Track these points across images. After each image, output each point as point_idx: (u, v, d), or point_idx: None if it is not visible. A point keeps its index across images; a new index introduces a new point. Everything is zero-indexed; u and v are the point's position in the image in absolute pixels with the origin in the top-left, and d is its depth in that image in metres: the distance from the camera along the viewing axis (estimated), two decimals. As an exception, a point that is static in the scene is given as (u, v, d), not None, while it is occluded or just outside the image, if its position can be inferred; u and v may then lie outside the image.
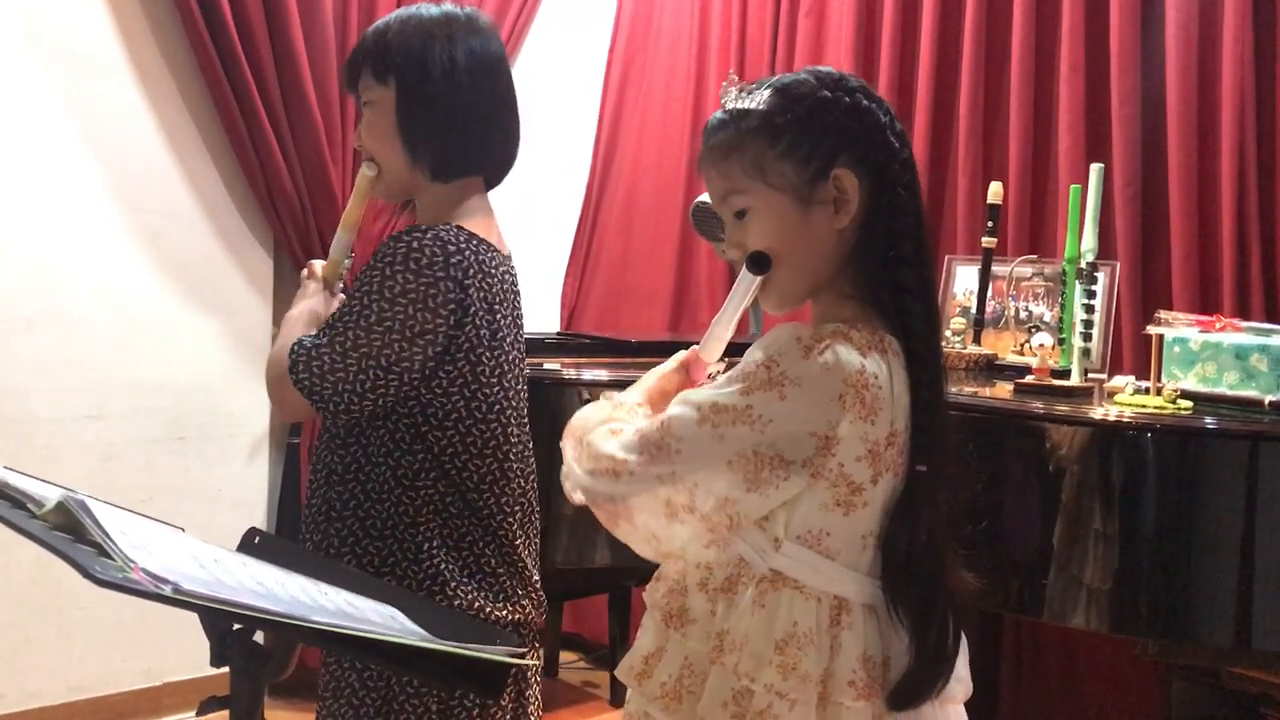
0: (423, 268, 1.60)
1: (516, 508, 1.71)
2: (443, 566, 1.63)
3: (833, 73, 1.38)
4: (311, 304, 1.77)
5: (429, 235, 1.62)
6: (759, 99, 1.35)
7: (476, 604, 1.64)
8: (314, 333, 1.68)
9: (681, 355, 1.50)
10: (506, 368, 1.71)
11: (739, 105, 1.37)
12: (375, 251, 1.64)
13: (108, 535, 0.99)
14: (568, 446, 1.40)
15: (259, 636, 1.17)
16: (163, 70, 3.28)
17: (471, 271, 1.63)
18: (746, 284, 1.37)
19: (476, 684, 1.14)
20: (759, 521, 1.33)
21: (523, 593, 1.71)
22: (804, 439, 1.27)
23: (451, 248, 1.62)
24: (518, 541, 1.71)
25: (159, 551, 1.06)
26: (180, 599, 0.93)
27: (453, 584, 1.63)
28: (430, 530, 1.63)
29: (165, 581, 0.93)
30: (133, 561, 0.95)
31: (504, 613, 1.67)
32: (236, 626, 1.15)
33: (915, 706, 1.32)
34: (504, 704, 1.67)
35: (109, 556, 0.97)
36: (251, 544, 1.41)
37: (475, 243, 1.66)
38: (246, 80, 3.28)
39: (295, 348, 1.65)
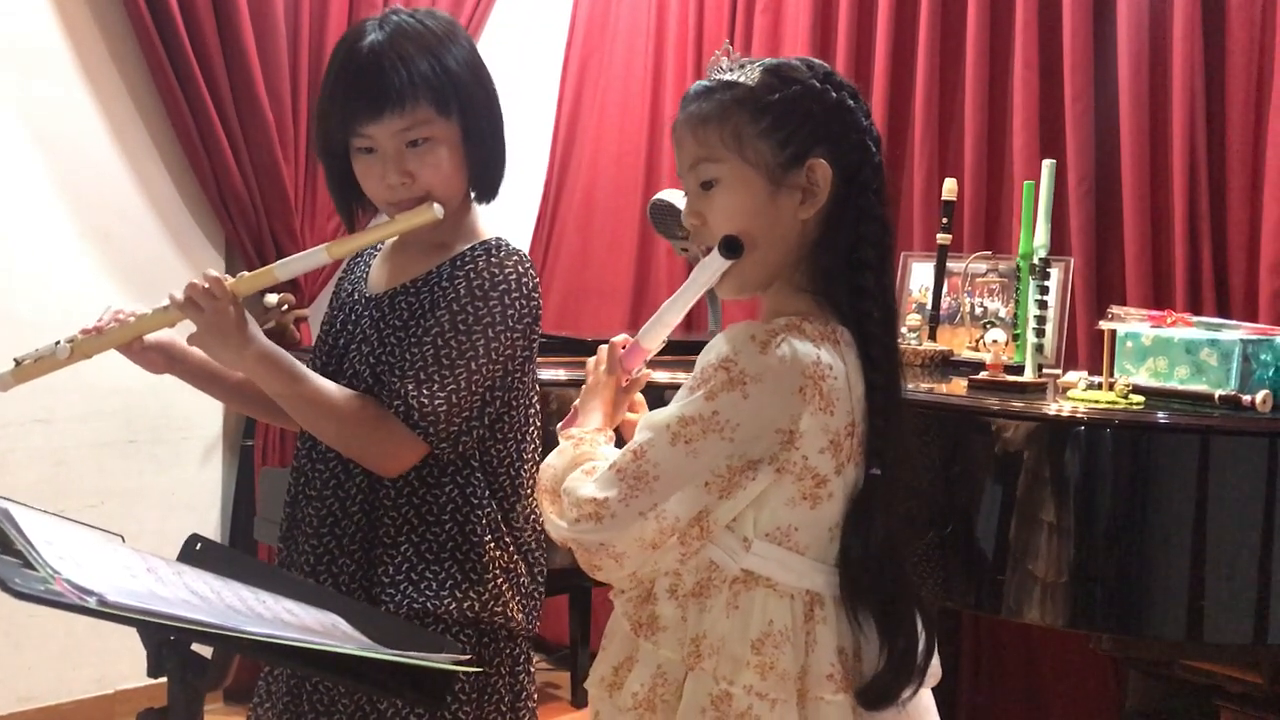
0: (530, 291, 1.59)
1: (535, 514, 1.68)
2: (503, 586, 1.59)
3: (825, 66, 1.39)
4: (266, 341, 1.54)
5: (516, 254, 1.60)
6: (750, 74, 1.34)
7: (521, 621, 1.62)
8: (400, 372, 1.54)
9: (601, 359, 1.49)
10: None
11: (728, 76, 1.35)
12: (467, 275, 1.56)
13: (31, 545, 0.96)
14: (544, 501, 1.38)
15: (198, 646, 1.15)
16: (110, 69, 3.23)
17: (538, 281, 1.63)
18: (712, 269, 1.35)
19: (417, 692, 1.12)
20: (728, 523, 1.32)
21: (539, 603, 1.69)
22: (768, 435, 1.27)
23: (528, 262, 1.61)
24: (539, 553, 1.68)
25: (87, 561, 1.03)
26: (105, 611, 0.91)
27: (512, 605, 1.60)
28: (490, 549, 1.59)
29: (90, 593, 0.91)
30: (56, 572, 0.92)
31: (532, 625, 1.66)
32: (173, 637, 1.13)
33: (884, 708, 1.31)
34: (503, 709, 1.63)
35: (33, 567, 0.95)
36: (193, 551, 1.38)
37: None
38: (196, 79, 3.23)
39: (404, 404, 1.52)
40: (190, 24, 3.21)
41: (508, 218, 4.15)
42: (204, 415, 3.44)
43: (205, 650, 1.18)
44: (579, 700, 3.60)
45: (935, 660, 1.39)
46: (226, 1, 3.25)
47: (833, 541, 1.33)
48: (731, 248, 1.32)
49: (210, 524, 3.48)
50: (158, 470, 3.38)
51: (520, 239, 4.16)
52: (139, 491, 3.33)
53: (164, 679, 1.16)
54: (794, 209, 1.33)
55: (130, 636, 1.06)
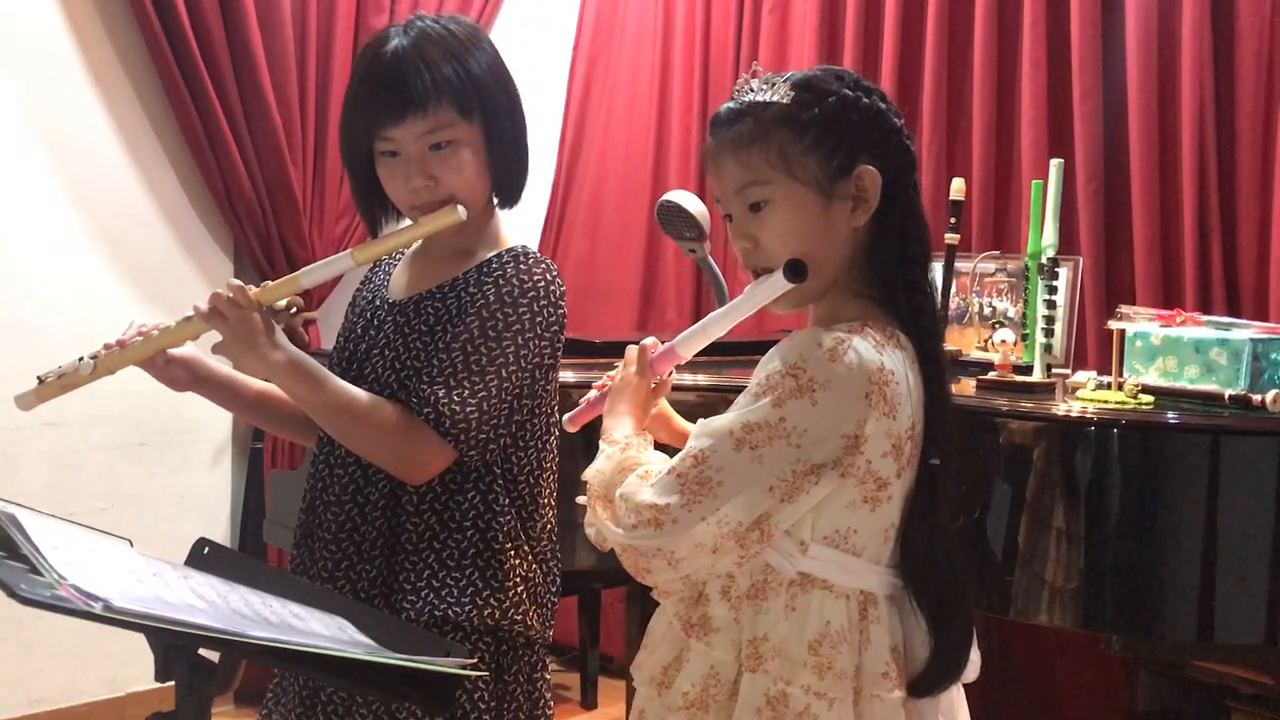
0: (557, 299, 1.58)
1: (551, 524, 1.67)
2: (523, 594, 1.58)
3: (850, 73, 1.40)
4: (293, 348, 1.54)
5: (543, 262, 1.60)
6: (780, 92, 1.35)
7: (539, 629, 1.61)
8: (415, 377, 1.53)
9: (631, 360, 1.48)
10: None
11: (758, 98, 1.36)
12: (496, 282, 1.55)
13: (37, 550, 0.96)
14: (596, 508, 1.37)
15: (205, 650, 1.15)
16: (119, 74, 3.25)
17: (564, 289, 1.62)
18: (771, 288, 1.35)
19: (424, 696, 1.12)
20: (786, 527, 1.32)
21: (553, 612, 1.68)
22: (834, 441, 1.28)
23: (555, 270, 1.61)
24: (554, 562, 1.67)
25: (94, 566, 1.03)
26: (110, 616, 0.91)
27: (531, 613, 1.59)
28: (511, 556, 1.57)
29: (95, 599, 0.91)
30: (62, 578, 0.93)
31: (548, 634, 1.64)
32: (179, 642, 1.13)
33: (935, 694, 1.34)
34: (520, 716, 1.62)
35: (39, 573, 0.95)
36: (201, 555, 1.38)
37: None
38: (204, 83, 3.24)
39: (435, 411, 1.50)
40: (198, 28, 3.22)
41: (515, 219, 4.15)
42: (213, 418, 3.44)
43: (213, 655, 1.18)
44: (589, 701, 3.60)
45: (977, 655, 1.40)
46: (234, 6, 3.26)
47: (887, 543, 1.35)
48: (797, 271, 1.32)
49: (220, 527, 3.48)
50: (167, 473, 3.39)
51: (528, 241, 4.15)
52: (148, 495, 3.33)
53: (173, 683, 1.16)
54: (846, 218, 1.34)
55: (141, 640, 1.06)
